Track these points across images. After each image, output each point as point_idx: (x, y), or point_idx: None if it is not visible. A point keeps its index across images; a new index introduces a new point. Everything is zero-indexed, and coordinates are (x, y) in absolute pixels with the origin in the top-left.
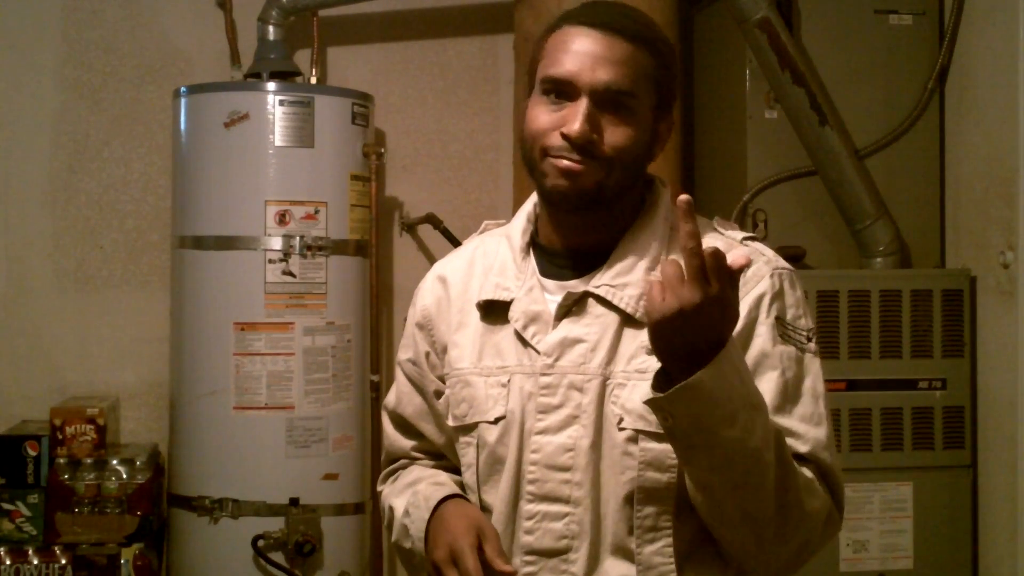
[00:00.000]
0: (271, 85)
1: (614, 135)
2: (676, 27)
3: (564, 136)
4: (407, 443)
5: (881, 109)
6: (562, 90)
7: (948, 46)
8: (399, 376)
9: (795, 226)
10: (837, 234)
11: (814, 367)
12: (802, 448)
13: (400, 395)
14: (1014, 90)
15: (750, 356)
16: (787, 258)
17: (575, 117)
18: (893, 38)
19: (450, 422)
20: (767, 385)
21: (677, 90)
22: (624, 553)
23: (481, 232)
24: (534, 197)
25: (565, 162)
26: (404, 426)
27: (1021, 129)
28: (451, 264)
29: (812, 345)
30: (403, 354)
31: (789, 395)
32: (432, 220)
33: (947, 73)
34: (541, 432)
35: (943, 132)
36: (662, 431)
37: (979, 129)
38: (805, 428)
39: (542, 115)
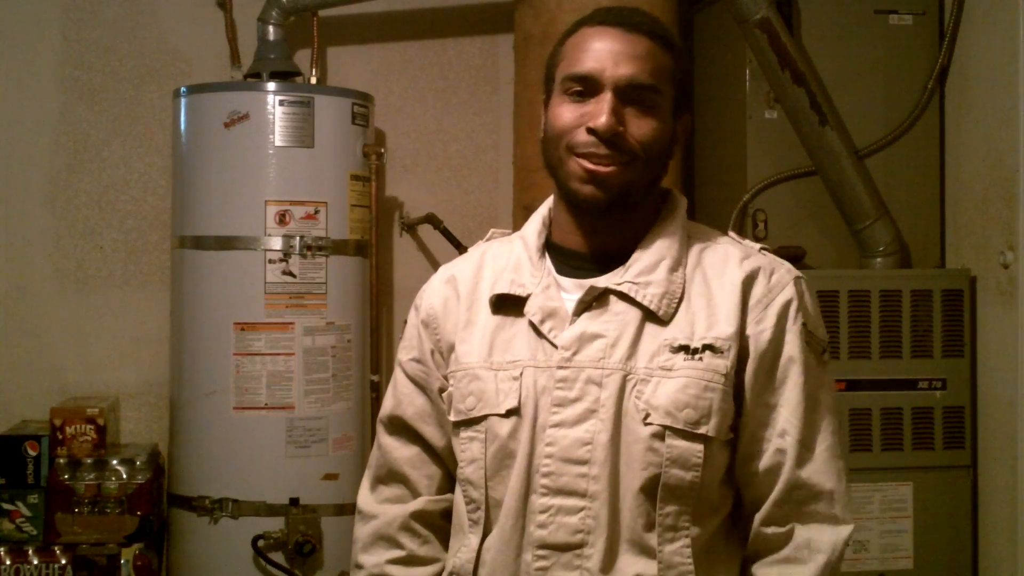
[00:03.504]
0: (271, 85)
1: (639, 128)
2: (676, 27)
3: (591, 131)
4: (405, 452)
5: (881, 109)
6: (585, 87)
7: (948, 46)
8: (399, 378)
9: (795, 226)
10: (837, 234)
11: (827, 378)
12: (819, 450)
13: (400, 397)
14: (1014, 90)
15: (781, 361)
16: (787, 258)
17: (601, 111)
18: (893, 38)
19: (452, 416)
20: (793, 393)
21: (691, 92)
22: (641, 549)
23: (488, 239)
24: (549, 202)
25: (591, 164)
26: (403, 430)
27: (1021, 129)
28: (459, 266)
29: (825, 357)
30: (405, 355)
31: (811, 403)
32: (432, 220)
33: (947, 73)
34: (556, 425)
35: (943, 132)
36: (689, 429)
37: (979, 129)
38: (821, 438)
39: (566, 113)
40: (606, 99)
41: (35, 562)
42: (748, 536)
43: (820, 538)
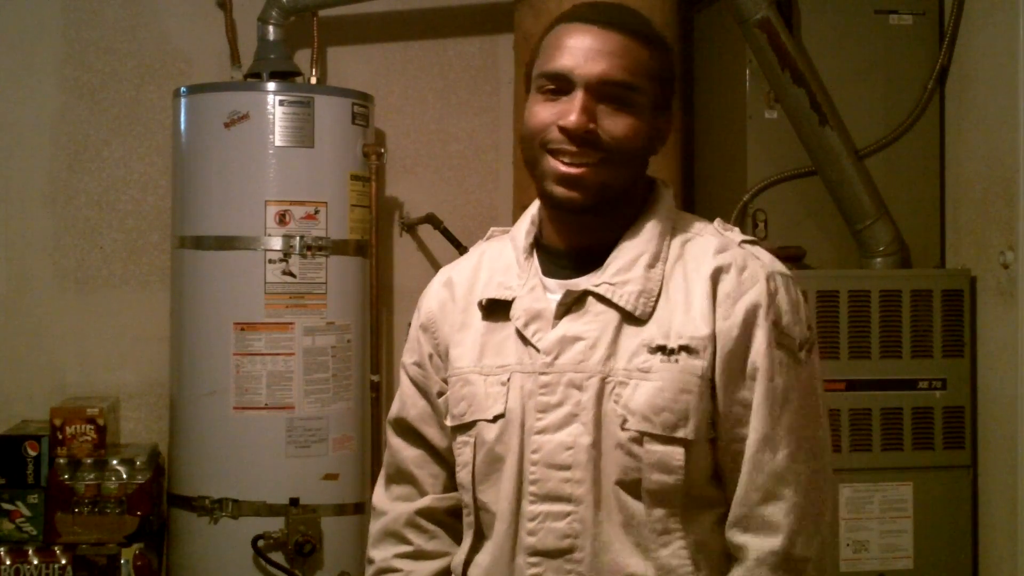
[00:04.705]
0: (271, 85)
1: (613, 125)
2: (676, 27)
3: (562, 129)
4: (412, 452)
5: (881, 109)
6: (559, 85)
7: (948, 46)
8: (403, 381)
9: (795, 226)
10: (837, 234)
11: (804, 376)
12: (780, 455)
13: (404, 400)
14: (1014, 90)
15: (749, 358)
16: (787, 258)
17: (571, 109)
18: (893, 38)
19: (448, 421)
20: (758, 392)
21: (676, 86)
22: (631, 550)
23: (488, 238)
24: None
25: (564, 166)
26: (407, 431)
27: (1021, 129)
28: (457, 269)
29: (803, 355)
30: (408, 358)
31: (774, 404)
32: (432, 220)
33: (947, 73)
34: (541, 431)
35: (943, 132)
36: (667, 433)
37: (979, 129)
38: (785, 442)
39: (540, 111)
40: (577, 97)
41: (35, 562)
42: None
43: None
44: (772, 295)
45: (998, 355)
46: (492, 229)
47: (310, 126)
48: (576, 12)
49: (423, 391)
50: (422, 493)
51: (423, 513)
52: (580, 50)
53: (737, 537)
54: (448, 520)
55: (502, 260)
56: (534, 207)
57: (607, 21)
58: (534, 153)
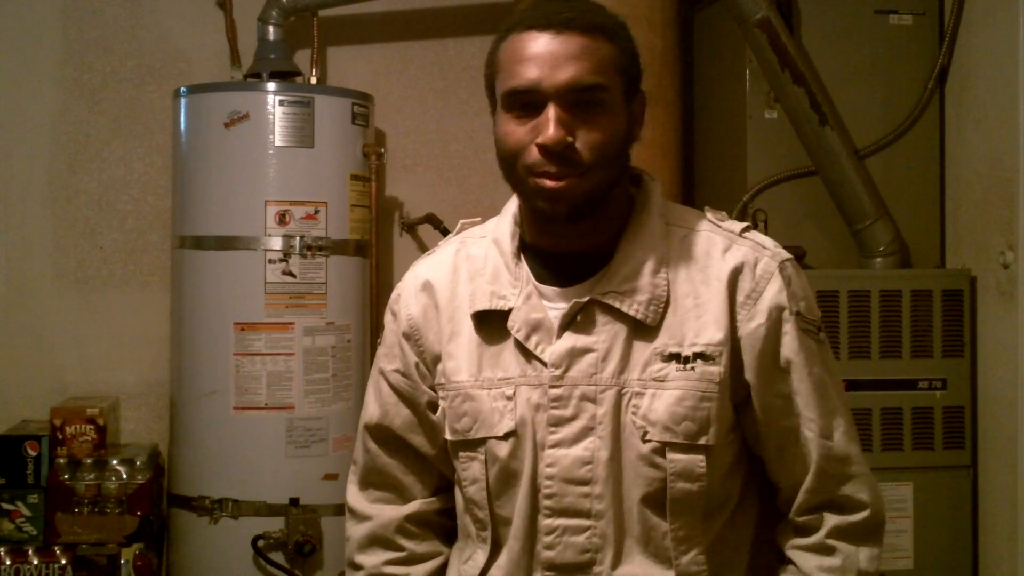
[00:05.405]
0: (271, 85)
1: (591, 135)
2: (676, 27)
3: (540, 148)
4: (396, 459)
5: (881, 109)
6: (527, 100)
7: (948, 46)
8: (382, 388)
9: (795, 226)
10: (837, 234)
11: (828, 356)
12: (836, 436)
13: (386, 407)
14: (1014, 90)
15: (782, 353)
16: None
17: (547, 125)
18: (893, 38)
19: (449, 436)
20: (803, 384)
21: (640, 67)
22: (652, 561)
23: (458, 232)
24: (516, 198)
25: (549, 182)
26: (390, 439)
27: (1021, 129)
28: (434, 270)
29: (822, 335)
30: (388, 364)
31: (821, 389)
32: (432, 220)
33: (947, 73)
34: (555, 445)
35: (943, 132)
36: (689, 442)
37: (979, 129)
38: (836, 423)
39: (514, 131)
40: (550, 110)
41: (35, 562)
42: (771, 516)
43: (849, 529)
44: (789, 285)
45: (998, 355)
46: (461, 222)
47: (310, 126)
48: (529, 18)
49: (408, 400)
50: (406, 498)
51: (412, 519)
52: (543, 59)
53: (811, 517)
54: (437, 520)
55: (488, 264)
56: (513, 205)
57: (563, 23)
58: (516, 175)
